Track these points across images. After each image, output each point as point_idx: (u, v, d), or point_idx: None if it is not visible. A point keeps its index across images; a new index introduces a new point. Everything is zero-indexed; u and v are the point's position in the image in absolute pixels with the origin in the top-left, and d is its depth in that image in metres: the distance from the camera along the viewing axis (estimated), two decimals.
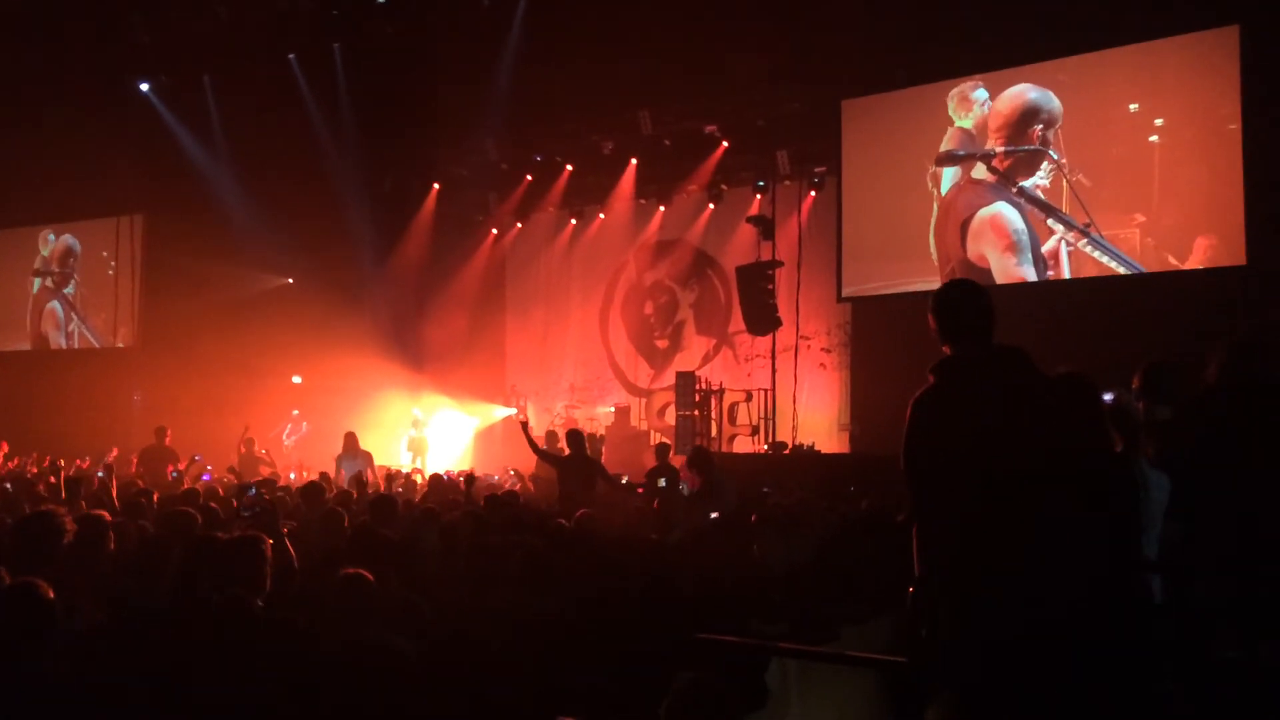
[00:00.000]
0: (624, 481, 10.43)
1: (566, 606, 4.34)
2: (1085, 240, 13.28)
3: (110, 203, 19.27)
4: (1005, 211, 13.98)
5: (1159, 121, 13.02)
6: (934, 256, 14.37)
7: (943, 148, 14.51)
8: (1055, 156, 13.48)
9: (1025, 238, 13.81)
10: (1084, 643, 2.98)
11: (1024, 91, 13.91)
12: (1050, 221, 13.56)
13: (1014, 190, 13.84)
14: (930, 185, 14.45)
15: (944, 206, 14.41)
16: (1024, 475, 3.04)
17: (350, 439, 12.61)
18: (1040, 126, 13.72)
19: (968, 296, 3.33)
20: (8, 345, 21.52)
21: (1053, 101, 13.68)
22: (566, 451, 10.15)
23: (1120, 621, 3.20)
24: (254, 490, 7.97)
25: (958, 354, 3.26)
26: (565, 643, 3.96)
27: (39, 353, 21.04)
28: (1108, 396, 3.82)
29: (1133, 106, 13.12)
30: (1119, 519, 3.47)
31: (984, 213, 14.12)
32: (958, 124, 14.39)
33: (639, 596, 4.45)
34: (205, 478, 11.16)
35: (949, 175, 14.34)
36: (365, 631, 3.66)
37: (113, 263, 19.62)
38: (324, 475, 11.03)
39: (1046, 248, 13.57)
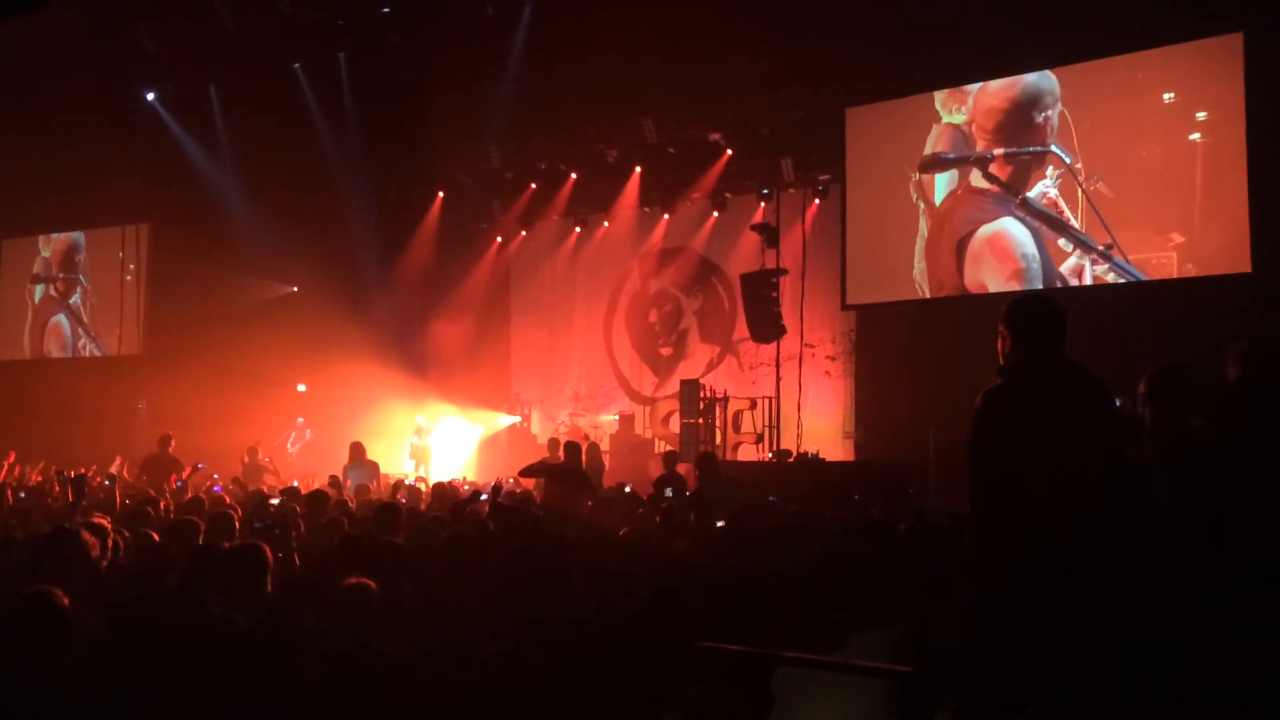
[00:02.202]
0: (627, 491, 10.41)
1: (571, 614, 4.33)
2: (1106, 266, 11.27)
3: (116, 212, 19.31)
4: (1011, 229, 12.15)
5: (1202, 115, 10.76)
6: (918, 280, 13.33)
7: (929, 149, 13.10)
8: (1067, 159, 11.67)
9: (1036, 264, 11.77)
10: (1103, 639, 3.05)
11: (1018, 77, 12.16)
12: (1062, 242, 11.69)
13: (1017, 202, 12.14)
14: (915, 196, 13.28)
15: (937, 221, 13.01)
16: (1069, 474, 3.22)
17: (357, 449, 12.58)
18: (1046, 114, 11.72)
19: (1045, 312, 3.52)
20: (8, 356, 21.48)
21: (1051, 80, 11.67)
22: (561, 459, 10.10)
23: (1137, 619, 3.25)
24: (275, 502, 7.98)
25: (1026, 360, 3.45)
26: (570, 650, 3.95)
27: (44, 361, 20.99)
28: (1115, 403, 3.82)
29: (1168, 96, 10.96)
30: (1133, 521, 3.48)
31: (986, 230, 12.43)
32: (946, 119, 12.92)
33: (644, 605, 4.44)
34: (216, 489, 11.13)
35: (942, 184, 13.18)
36: (368, 639, 3.66)
37: (131, 264, 19.49)
38: (334, 479, 10.97)
39: (1066, 266, 11.56)
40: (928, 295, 13.48)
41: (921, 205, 13.36)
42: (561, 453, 10.37)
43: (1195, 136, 10.83)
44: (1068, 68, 12.28)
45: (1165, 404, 4.25)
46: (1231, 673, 3.33)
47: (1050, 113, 11.85)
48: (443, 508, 8.31)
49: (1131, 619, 3.17)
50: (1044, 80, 11.80)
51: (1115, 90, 11.50)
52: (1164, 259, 10.95)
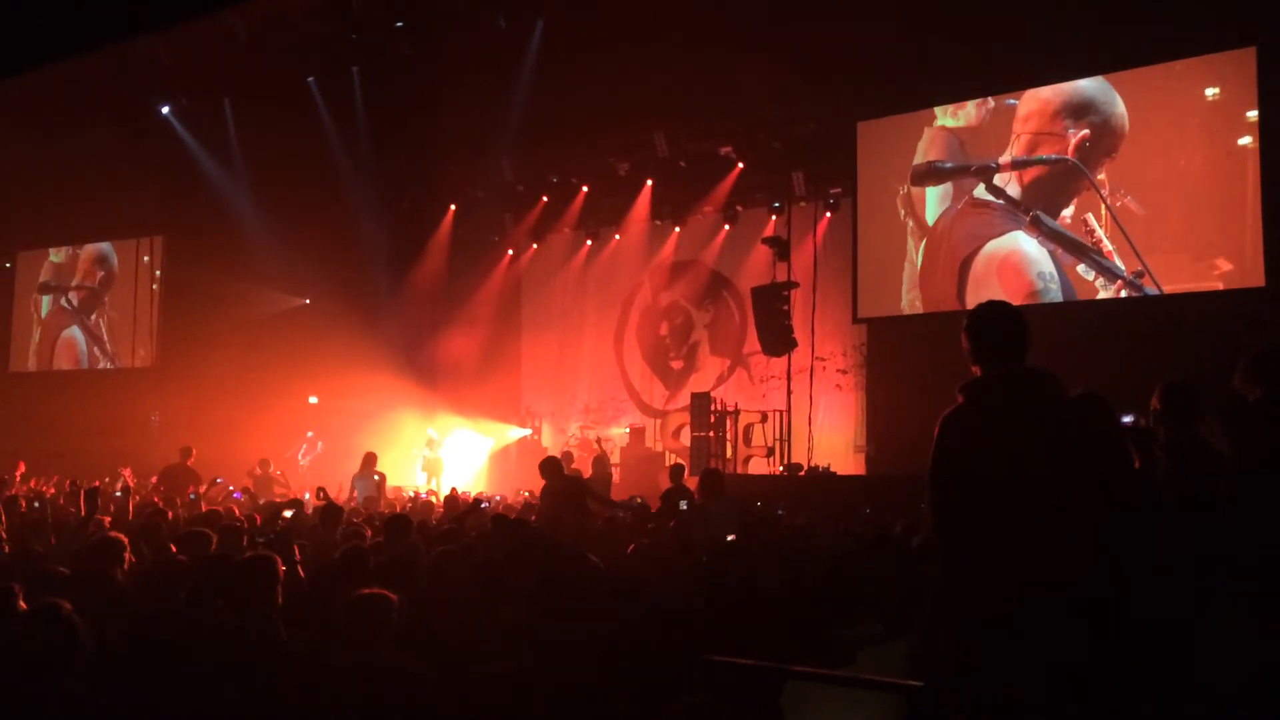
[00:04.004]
0: (638, 502, 10.38)
1: (578, 627, 4.32)
2: (1137, 297, 9.89)
3: (131, 224, 19.43)
4: (1024, 245, 10.81)
5: (1252, 115, 9.10)
6: (907, 303, 12.70)
7: (920, 157, 11.87)
8: (1088, 171, 10.38)
9: (1055, 283, 10.22)
10: (1103, 658, 2.97)
11: (1072, 81, 10.51)
12: (1081, 269, 10.20)
13: (1027, 220, 10.88)
14: (903, 213, 12.27)
15: (934, 240, 12.00)
16: (1049, 495, 3.03)
17: (369, 459, 12.60)
18: (1084, 131, 10.24)
19: (1002, 319, 3.26)
20: (22, 367, 21.51)
21: (1114, 101, 9.60)
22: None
23: (1140, 637, 3.19)
24: (289, 514, 8.00)
25: (987, 374, 3.23)
26: (577, 664, 3.94)
27: (57, 373, 21.04)
28: (1127, 419, 3.80)
29: (1211, 92, 9.34)
30: (1140, 536, 3.45)
31: (992, 248, 11.18)
32: (940, 122, 11.88)
33: (653, 618, 4.42)
34: (237, 495, 11.20)
35: (935, 199, 12.21)
36: (377, 651, 3.66)
37: (157, 272, 19.49)
38: (321, 490, 10.84)
39: (1085, 295, 10.16)
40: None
41: (910, 224, 12.37)
42: (541, 474, 9.27)
43: (1246, 140, 9.10)
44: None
45: (1179, 419, 4.25)
46: (1244, 686, 3.31)
47: (1097, 140, 10.24)
48: (452, 519, 8.32)
49: (1137, 630, 3.10)
50: (1106, 97, 10.02)
51: (1148, 88, 9.80)
52: (1208, 288, 9.16)
